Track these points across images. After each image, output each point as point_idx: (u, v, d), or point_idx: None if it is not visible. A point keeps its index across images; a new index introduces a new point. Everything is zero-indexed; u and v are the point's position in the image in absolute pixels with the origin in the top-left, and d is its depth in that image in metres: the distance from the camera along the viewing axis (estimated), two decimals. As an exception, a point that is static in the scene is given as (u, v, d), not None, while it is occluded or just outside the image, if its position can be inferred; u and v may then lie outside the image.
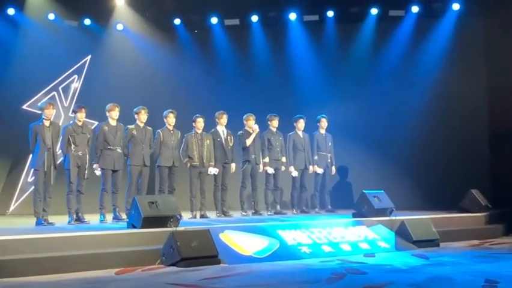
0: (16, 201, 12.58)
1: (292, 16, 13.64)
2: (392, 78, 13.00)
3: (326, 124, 11.67)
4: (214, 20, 13.84)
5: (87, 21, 13.37)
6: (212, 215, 10.37)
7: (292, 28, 13.77)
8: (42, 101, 10.87)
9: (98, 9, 13.32)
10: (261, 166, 10.89)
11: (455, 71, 12.81)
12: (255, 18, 13.79)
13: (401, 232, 9.10)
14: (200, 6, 13.60)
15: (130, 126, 9.77)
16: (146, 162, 9.76)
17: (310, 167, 11.39)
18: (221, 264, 7.37)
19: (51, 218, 8.97)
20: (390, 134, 12.82)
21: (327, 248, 8.29)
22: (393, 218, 9.48)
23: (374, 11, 13.36)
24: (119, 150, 9.54)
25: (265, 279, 6.51)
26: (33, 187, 9.37)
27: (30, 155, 9.39)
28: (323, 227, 8.81)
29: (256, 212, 10.78)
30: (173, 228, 7.68)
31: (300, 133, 11.35)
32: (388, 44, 13.24)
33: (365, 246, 8.61)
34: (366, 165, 12.76)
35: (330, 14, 13.54)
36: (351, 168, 13.07)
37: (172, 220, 7.94)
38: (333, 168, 11.73)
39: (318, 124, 11.70)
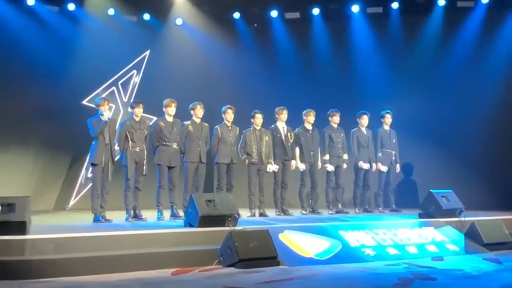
0: (76, 196, 12.61)
1: (355, 8, 13.19)
2: (460, 73, 12.38)
3: (390, 120, 11.18)
4: (274, 14, 13.53)
5: (146, 16, 13.31)
6: (271, 213, 10.09)
7: (355, 21, 13.30)
8: (98, 97, 10.83)
9: (157, 4, 13.24)
10: (319, 163, 10.52)
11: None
12: (316, 11, 13.41)
13: (471, 234, 8.59)
14: (259, 0, 13.31)
15: (186, 122, 9.58)
16: (202, 159, 9.55)
17: (374, 165, 10.95)
18: (280, 266, 7.07)
19: (109, 214, 8.89)
20: (458, 130, 12.22)
21: (392, 251, 7.87)
22: (463, 219, 8.97)
23: (441, 1, 12.77)
24: (175, 146, 9.37)
25: (328, 283, 6.18)
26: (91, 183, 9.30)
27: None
28: (387, 228, 8.40)
29: (314, 211, 10.43)
30: (231, 228, 7.44)
31: (364, 129, 10.93)
32: (456, 37, 12.62)
33: (432, 248, 8.15)
34: (432, 163, 12.18)
35: (394, 5, 13.02)
36: (417, 166, 12.53)
37: (230, 219, 7.68)
38: (398, 166, 11.24)
39: (382, 120, 11.22)
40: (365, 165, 10.75)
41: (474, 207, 10.15)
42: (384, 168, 11.01)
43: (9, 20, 11.99)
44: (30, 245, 6.59)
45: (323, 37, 13.35)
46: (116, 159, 9.03)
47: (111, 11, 12.91)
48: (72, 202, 12.54)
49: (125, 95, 13.05)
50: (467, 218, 8.94)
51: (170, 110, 9.36)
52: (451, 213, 9.12)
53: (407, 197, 12.06)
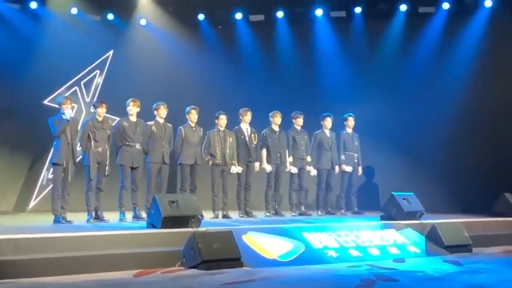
0: (36, 197, 12.38)
1: (319, 12, 13.27)
2: (421, 77, 12.56)
3: (353, 123, 11.28)
4: (238, 16, 13.53)
5: (110, 16, 13.17)
6: (234, 215, 10.08)
7: (319, 24, 13.39)
8: (60, 96, 10.69)
9: (121, 4, 13.12)
10: (287, 165, 10.55)
11: (487, 70, 12.32)
12: (280, 14, 13.45)
13: (432, 236, 8.70)
14: (224, 1, 13.36)
15: (149, 123, 9.52)
16: (165, 159, 9.50)
17: (337, 167, 11.03)
18: (244, 268, 7.05)
19: (70, 216, 8.76)
20: (419, 134, 12.41)
21: (354, 252, 7.92)
22: (424, 221, 9.10)
23: (403, 7, 12.94)
24: (138, 146, 9.29)
25: (291, 285, 6.19)
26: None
27: (51, 151, 9.18)
28: (350, 230, 8.44)
29: (277, 213, 10.45)
30: (195, 229, 7.40)
31: (327, 132, 11.00)
32: (418, 42, 12.81)
33: (394, 250, 8.23)
34: (393, 166, 12.35)
35: (357, 10, 13.14)
36: (378, 169, 12.65)
37: (193, 220, 7.64)
38: (360, 168, 11.35)
39: (344, 123, 11.31)
40: (313, 172, 10.77)
41: (434, 210, 10.32)
42: (348, 169, 11.09)
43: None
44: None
45: (287, 40, 13.41)
46: (78, 159, 8.91)
47: (74, 10, 12.72)
48: (32, 204, 12.31)
49: (87, 95, 12.88)
50: (427, 221, 9.06)
51: (133, 110, 9.28)
52: (412, 215, 9.23)
53: (369, 199, 12.19)
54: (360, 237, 8.34)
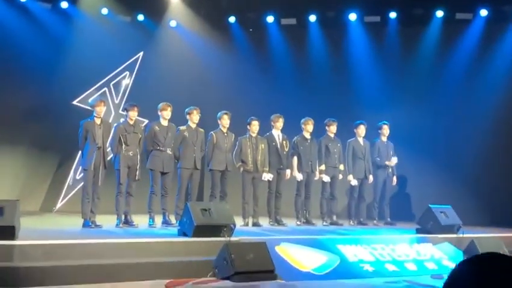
0: (63, 198, 12.29)
1: (353, 17, 13.00)
2: (458, 85, 12.20)
3: (388, 131, 11.00)
4: (270, 19, 13.32)
5: (140, 17, 13.04)
6: (264, 222, 9.87)
7: (352, 29, 13.11)
8: (93, 98, 10.60)
9: (151, 5, 12.97)
10: (317, 173, 10.32)
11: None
12: (312, 18, 13.19)
13: (470, 251, 8.37)
14: (256, 4, 13.11)
15: (181, 128, 9.34)
16: (197, 165, 9.32)
17: (371, 177, 10.76)
18: (277, 280, 6.84)
19: (99, 218, 8.64)
20: (456, 144, 12.04)
21: (391, 267, 7.68)
22: (461, 235, 8.81)
23: (439, 13, 12.61)
24: (169, 151, 9.13)
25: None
26: (81, 185, 9.03)
27: (80, 152, 9.10)
28: (385, 243, 8.20)
29: (308, 222, 10.22)
30: (227, 239, 7.20)
31: (361, 140, 10.75)
32: (455, 49, 12.46)
33: (431, 266, 7.98)
34: (427, 176, 12.00)
35: (392, 15, 12.84)
36: (411, 179, 12.31)
37: (225, 229, 7.44)
38: (395, 178, 11.06)
39: (379, 131, 11.03)
40: (353, 181, 10.55)
41: (470, 223, 9.99)
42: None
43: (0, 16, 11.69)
44: (18, 251, 6.32)
45: (319, 44, 13.15)
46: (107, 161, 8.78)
47: (104, 10, 12.63)
48: (59, 204, 12.22)
49: (117, 97, 12.75)
50: (465, 235, 8.77)
51: (166, 114, 9.12)
52: (449, 229, 8.97)
53: (401, 209, 11.87)
54: (396, 251, 8.09)
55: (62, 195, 12.27)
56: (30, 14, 12.06)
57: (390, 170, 10.97)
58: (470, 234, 8.80)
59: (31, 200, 12.05)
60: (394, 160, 10.85)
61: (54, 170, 12.43)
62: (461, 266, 1.71)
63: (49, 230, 8.44)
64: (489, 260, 1.68)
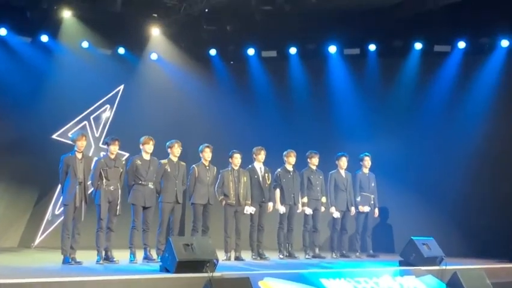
0: (42, 234, 12.11)
1: (332, 49, 13.14)
2: (438, 116, 12.33)
3: (370, 163, 11.04)
4: (250, 51, 13.41)
5: (121, 50, 13.04)
6: (247, 256, 9.79)
7: (333, 61, 13.24)
8: (74, 131, 10.55)
9: (132, 38, 12.97)
10: (299, 206, 10.30)
11: (505, 110, 12.08)
12: (293, 50, 13.32)
13: (453, 284, 8.38)
14: (236, 37, 13.18)
15: (162, 161, 9.28)
16: (179, 199, 9.25)
17: (352, 209, 10.76)
18: (262, 317, 6.75)
19: (79, 254, 8.49)
20: (437, 174, 12.12)
21: (375, 301, 7.63)
22: (444, 267, 8.78)
23: (418, 45, 12.78)
24: (151, 185, 9.05)
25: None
26: (60, 220, 8.91)
27: (59, 187, 9.01)
28: (369, 276, 8.13)
29: (290, 255, 10.16)
30: (210, 274, 7.09)
31: (343, 172, 10.76)
32: (434, 80, 12.63)
33: (415, 299, 7.94)
34: (410, 207, 12.02)
35: (372, 47, 13.00)
36: (393, 210, 12.32)
37: (208, 265, 7.34)
38: (376, 210, 11.08)
39: (361, 163, 11.07)
40: (336, 214, 10.55)
41: (451, 254, 9.97)
42: (366, 209, 10.82)
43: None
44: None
45: (300, 76, 13.25)
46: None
47: (85, 44, 12.62)
48: (38, 240, 12.04)
49: (97, 130, 12.68)
50: (448, 267, 8.75)
51: (148, 148, 9.06)
52: (431, 261, 8.92)
53: (383, 241, 11.88)
54: (380, 284, 8.02)
55: (40, 231, 12.09)
56: (10, 47, 12.01)
57: (372, 201, 10.98)
58: (452, 266, 8.77)
59: (9, 235, 11.89)
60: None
61: (33, 205, 12.27)
62: None
63: (28, 267, 8.29)
64: None
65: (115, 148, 8.83)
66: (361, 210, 10.82)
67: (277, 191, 10.15)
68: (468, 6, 11.51)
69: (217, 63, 13.59)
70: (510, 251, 10.24)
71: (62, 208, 9.22)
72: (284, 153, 10.31)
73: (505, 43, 12.34)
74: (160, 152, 9.52)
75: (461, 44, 12.58)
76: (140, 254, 8.99)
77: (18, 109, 11.80)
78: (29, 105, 11.88)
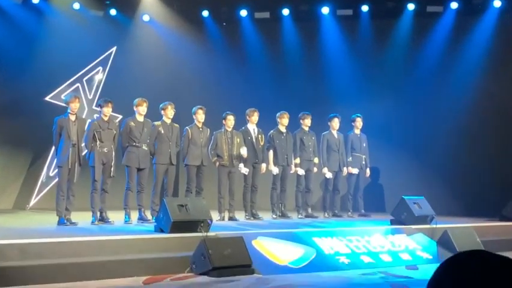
0: (37, 195, 12.17)
1: (325, 10, 13.05)
2: (430, 77, 12.34)
3: (361, 124, 11.10)
4: (243, 13, 13.31)
5: (113, 12, 12.92)
6: (241, 216, 9.91)
7: (325, 23, 13.16)
8: (67, 94, 10.52)
9: (124, 0, 12.85)
10: (292, 167, 10.39)
11: (496, 71, 12.09)
12: (286, 11, 13.22)
13: (444, 242, 8.56)
14: (229, -2, 13.12)
15: (156, 123, 9.32)
16: (172, 160, 9.32)
17: (344, 169, 10.86)
18: (255, 275, 6.89)
19: (74, 216, 8.57)
20: (428, 134, 12.18)
21: (366, 259, 7.78)
22: (435, 226, 8.93)
23: (410, 6, 12.71)
24: (145, 147, 9.09)
25: (306, 294, 6.04)
26: (55, 182, 8.96)
27: (53, 149, 9.03)
28: (360, 235, 8.30)
29: (284, 215, 10.28)
30: (204, 234, 7.21)
31: (335, 133, 10.83)
32: (426, 41, 12.59)
33: (406, 256, 8.10)
34: (401, 167, 12.14)
35: (364, 8, 12.92)
36: (384, 171, 12.43)
37: (202, 225, 7.45)
38: (368, 170, 11.18)
39: (352, 124, 11.14)
40: (328, 174, 10.64)
41: (442, 213, 10.11)
42: (355, 171, 10.94)
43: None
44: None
45: (293, 38, 13.20)
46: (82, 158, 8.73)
47: (76, 5, 12.48)
48: (33, 202, 12.11)
49: (90, 92, 12.64)
50: (439, 225, 8.90)
51: (142, 110, 9.08)
52: (422, 220, 9.07)
53: (375, 201, 12.02)
54: (372, 243, 8.19)
55: (35, 193, 12.13)
56: (0, 9, 11.88)
57: (363, 162, 11.08)
58: (443, 225, 8.93)
59: (4, 198, 11.95)
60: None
61: (27, 167, 12.30)
62: (442, 267, 1.76)
63: (24, 228, 8.39)
64: (469, 259, 1.73)
65: (108, 110, 8.85)
66: (350, 172, 10.91)
67: (271, 152, 10.23)
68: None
69: (210, 24, 13.49)
70: (499, 210, 10.40)
71: (56, 170, 9.28)
72: (277, 114, 10.35)
73: (497, 3, 12.27)
74: (154, 113, 9.55)
75: (454, 5, 12.51)
76: (134, 215, 9.09)
77: (10, 71, 11.73)
78: (21, 68, 11.81)
